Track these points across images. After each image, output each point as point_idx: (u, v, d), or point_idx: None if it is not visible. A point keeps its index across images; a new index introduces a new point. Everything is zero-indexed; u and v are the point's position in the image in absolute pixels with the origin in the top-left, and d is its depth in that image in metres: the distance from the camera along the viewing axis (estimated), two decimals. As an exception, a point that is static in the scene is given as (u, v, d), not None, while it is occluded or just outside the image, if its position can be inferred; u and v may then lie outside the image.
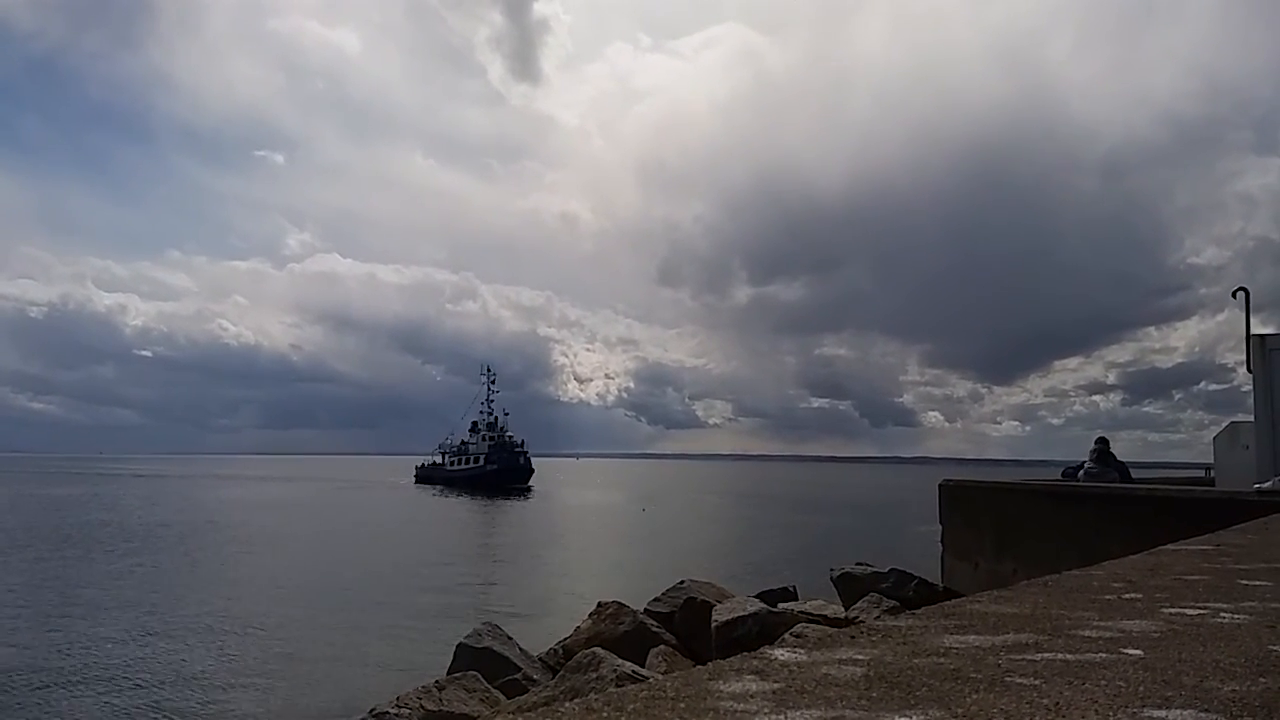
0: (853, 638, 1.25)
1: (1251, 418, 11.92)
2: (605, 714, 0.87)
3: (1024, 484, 10.71)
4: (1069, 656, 1.12)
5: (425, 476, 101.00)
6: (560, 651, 11.65)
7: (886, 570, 11.26)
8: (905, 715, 0.89)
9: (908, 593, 10.57)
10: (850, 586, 11.31)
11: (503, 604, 20.48)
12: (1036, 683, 1.01)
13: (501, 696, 9.64)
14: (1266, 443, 11.10)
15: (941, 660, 1.11)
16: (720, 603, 11.43)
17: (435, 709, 8.98)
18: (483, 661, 10.58)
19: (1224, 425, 14.96)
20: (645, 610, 12.58)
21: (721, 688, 0.98)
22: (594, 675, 7.51)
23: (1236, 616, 1.42)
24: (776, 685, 0.99)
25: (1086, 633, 1.28)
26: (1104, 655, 1.14)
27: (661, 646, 10.69)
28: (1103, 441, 13.67)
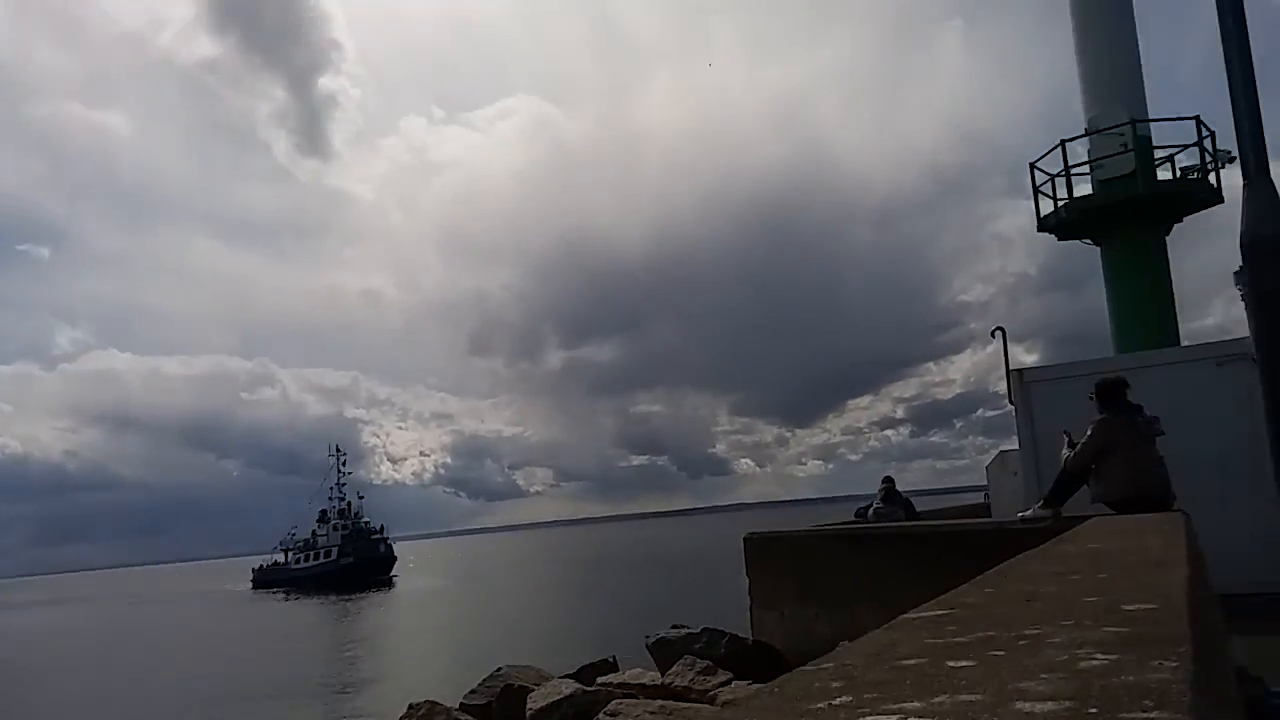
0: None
1: (1018, 445, 13.00)
2: None
3: (819, 530, 11.19)
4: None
5: (265, 580, 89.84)
6: (373, 761, 10.97)
7: (699, 630, 11.37)
8: None
9: (719, 650, 10.70)
10: (665, 651, 11.33)
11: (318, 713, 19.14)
12: None
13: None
14: (1030, 470, 12.12)
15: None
16: (537, 687, 11.16)
17: None
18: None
19: (995, 454, 16.27)
20: (461, 705, 12.10)
21: None
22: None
23: (918, 724, 1.49)
24: None
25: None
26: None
27: (479, 742, 10.29)
28: (889, 480, 14.53)
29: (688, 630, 11.57)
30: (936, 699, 1.67)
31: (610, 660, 13.44)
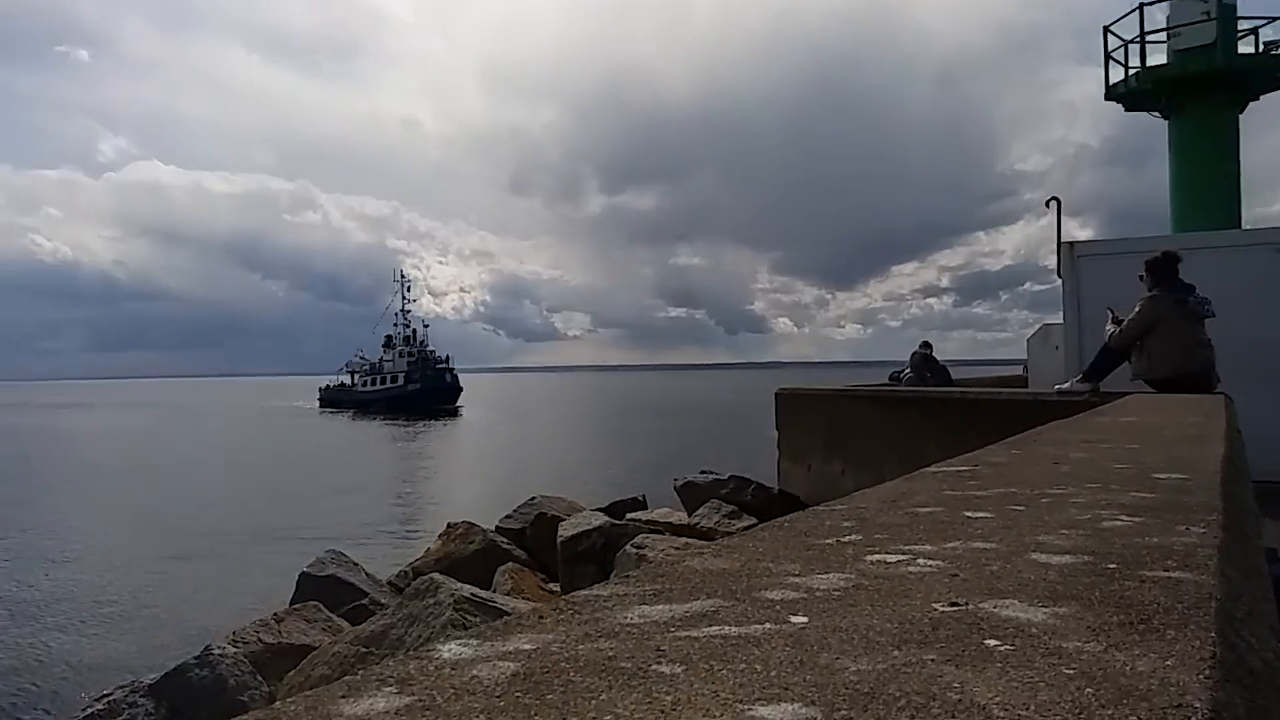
0: (541, 618, 1.22)
1: (1062, 320, 12.77)
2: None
3: (851, 390, 11.21)
4: (734, 630, 1.12)
5: (332, 399, 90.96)
6: (410, 574, 11.59)
7: (727, 477, 11.64)
8: (515, 733, 0.86)
9: (745, 496, 10.98)
10: (692, 494, 11.65)
11: (361, 529, 20.19)
12: (678, 671, 0.99)
13: (345, 624, 9.53)
14: (1073, 345, 11.94)
15: (607, 645, 1.09)
16: (568, 517, 11.59)
17: (274, 642, 8.80)
18: (326, 590, 10.42)
19: (1038, 327, 15.99)
20: (496, 528, 12.65)
21: (346, 710, 0.92)
22: (432, 601, 7.49)
23: (930, 564, 1.47)
24: (409, 700, 0.93)
25: (772, 594, 1.29)
26: (768, 626, 1.14)
27: (510, 564, 10.79)
28: (926, 346, 14.41)
29: (715, 476, 11.85)
30: (949, 544, 1.66)
31: (639, 499, 13.88)
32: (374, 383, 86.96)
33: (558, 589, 10.36)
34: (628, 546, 9.50)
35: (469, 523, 12.38)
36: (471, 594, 7.62)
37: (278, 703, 0.95)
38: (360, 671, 1.08)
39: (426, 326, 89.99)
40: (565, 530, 10.52)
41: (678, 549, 9.30)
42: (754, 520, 10.57)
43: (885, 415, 10.11)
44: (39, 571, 16.21)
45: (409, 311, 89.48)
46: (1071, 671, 0.99)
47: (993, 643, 1.09)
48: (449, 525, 12.57)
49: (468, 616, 7.30)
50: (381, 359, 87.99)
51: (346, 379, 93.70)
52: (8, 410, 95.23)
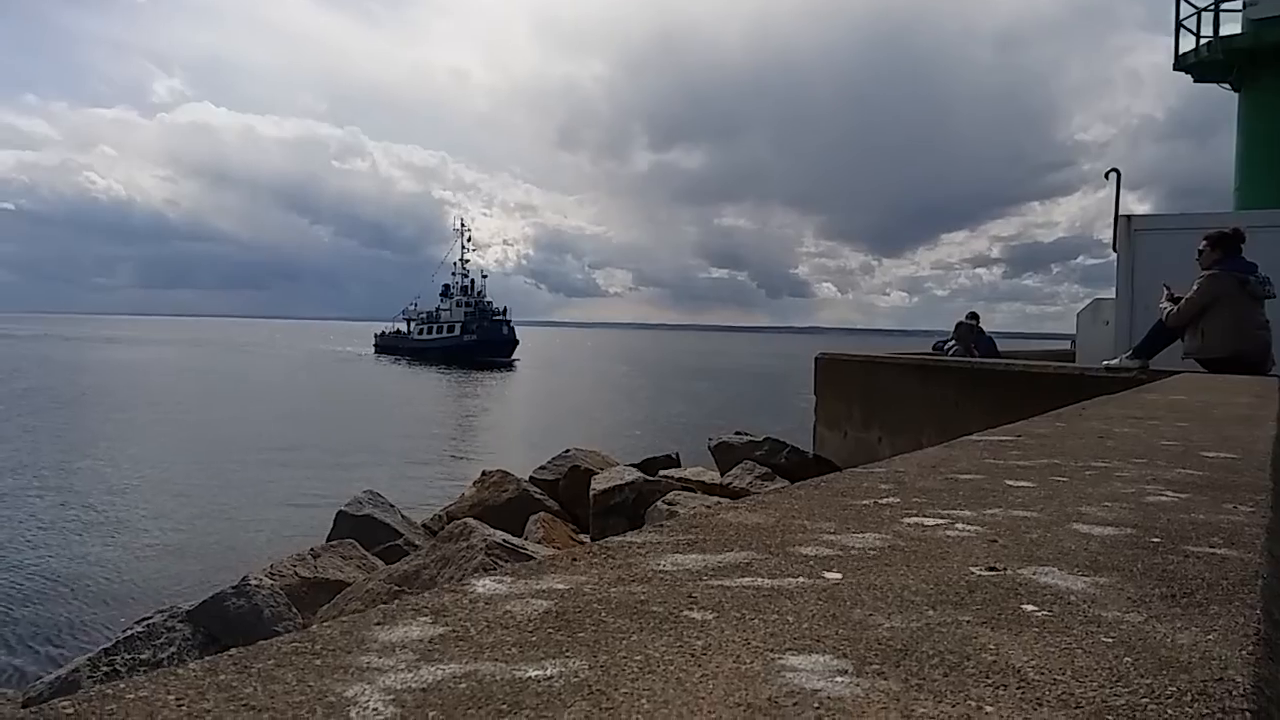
0: (574, 560, 1.22)
1: (1114, 294, 12.51)
2: (227, 676, 0.81)
3: (892, 358, 11.09)
4: (766, 582, 1.12)
5: (388, 346, 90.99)
6: (444, 518, 11.77)
7: (762, 439, 11.62)
8: (543, 666, 0.87)
9: (779, 459, 10.96)
10: (727, 455, 11.66)
11: (399, 472, 20.52)
12: (710, 617, 0.99)
13: (379, 562, 9.73)
14: (1124, 321, 11.71)
15: (639, 589, 1.09)
16: (601, 471, 11.66)
17: (309, 575, 9.01)
18: (361, 529, 10.62)
19: (1089, 301, 15.68)
20: (530, 478, 12.78)
21: (380, 636, 0.93)
22: (464, 544, 7.61)
23: (969, 529, 1.45)
24: (442, 630, 0.94)
25: (806, 550, 1.28)
26: (801, 580, 1.13)
27: (541, 513, 10.90)
28: (973, 316, 14.20)
29: (750, 438, 11.84)
30: (989, 511, 1.64)
31: (673, 456, 13.93)
32: (430, 331, 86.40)
33: (588, 540, 10.48)
34: (659, 502, 9.56)
35: (503, 471, 12.52)
36: (503, 539, 7.72)
37: (314, 626, 0.97)
38: (395, 602, 1.10)
39: (485, 277, 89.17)
40: (598, 484, 10.60)
41: (709, 507, 9.34)
42: (786, 483, 10.57)
43: (927, 384, 10.01)
44: (91, 497, 16.73)
45: (468, 261, 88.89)
46: (1110, 640, 0.97)
47: (1030, 608, 1.07)
48: (483, 473, 12.73)
49: (498, 560, 7.41)
50: (439, 308, 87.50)
51: (403, 326, 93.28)
52: (65, 344, 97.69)
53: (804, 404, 13.06)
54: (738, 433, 12.41)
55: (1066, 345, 17.77)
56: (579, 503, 11.54)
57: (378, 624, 0.97)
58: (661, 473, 11.97)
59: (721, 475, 11.39)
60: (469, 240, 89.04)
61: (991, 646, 0.94)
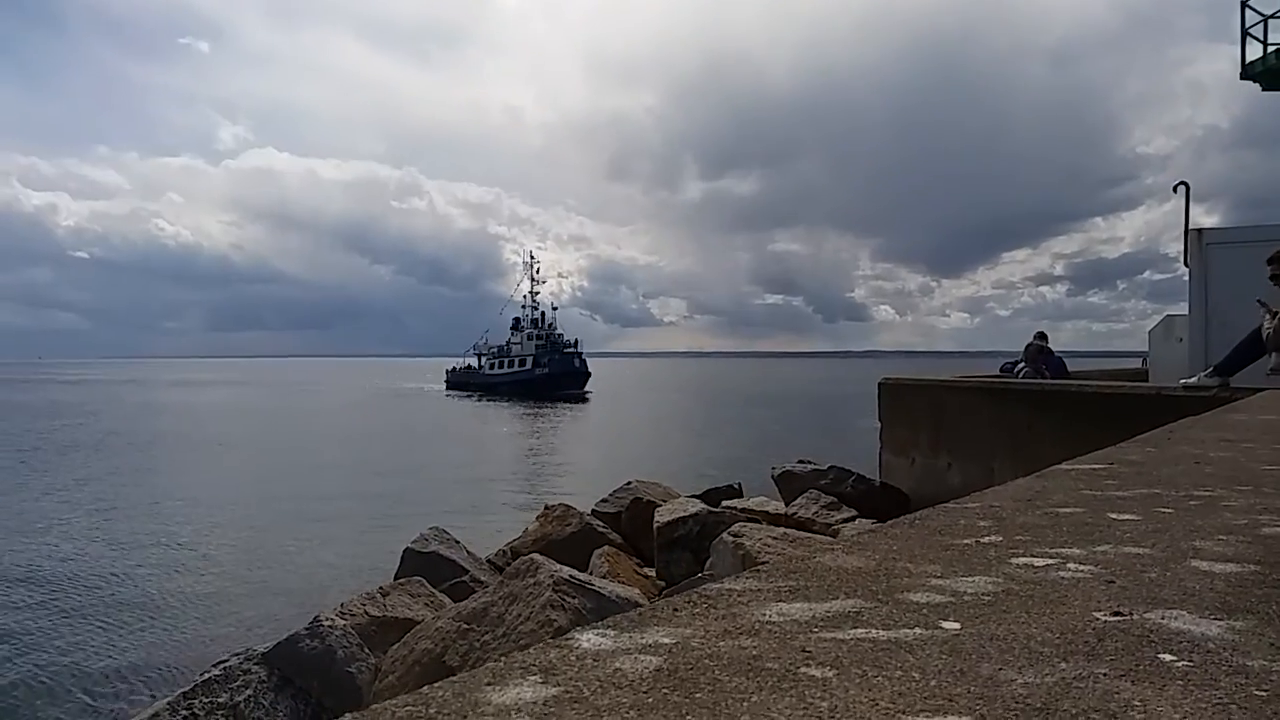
0: (675, 610, 1.19)
1: (1186, 310, 12.13)
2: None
3: (959, 381, 10.86)
4: (881, 634, 1.07)
5: (459, 382, 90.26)
6: (508, 553, 11.79)
7: (826, 467, 11.44)
8: (668, 731, 0.84)
9: (845, 488, 10.78)
10: (790, 483, 11.51)
11: (464, 508, 20.63)
12: (830, 675, 0.95)
13: (447, 600, 9.75)
14: (1199, 338, 11.33)
15: (749, 643, 1.05)
16: (664, 503, 11.59)
17: (379, 614, 9.07)
18: (428, 566, 10.67)
19: (1159, 319, 15.23)
20: (592, 511, 12.75)
21: (494, 698, 0.91)
22: (532, 581, 7.59)
23: (1082, 569, 1.39)
24: (555, 690, 0.92)
25: (916, 596, 1.23)
26: (918, 631, 1.09)
27: (606, 547, 10.85)
28: (1041, 336, 13.88)
29: (814, 466, 11.67)
30: (1098, 548, 1.56)
31: (735, 486, 13.79)
32: (501, 365, 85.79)
33: (652, 574, 10.38)
34: (724, 534, 9.44)
35: (566, 505, 12.52)
36: (570, 575, 7.68)
37: (425, 688, 0.95)
38: (501, 659, 1.08)
39: (555, 309, 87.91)
40: (661, 516, 10.52)
41: (775, 538, 9.20)
42: (854, 512, 10.37)
43: (996, 408, 9.78)
44: (165, 538, 17.13)
45: (538, 294, 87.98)
46: (1264, 694, 0.91)
47: (1168, 657, 1.01)
48: (546, 507, 12.74)
49: (566, 598, 7.38)
50: (509, 341, 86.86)
51: (474, 361, 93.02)
52: (137, 387, 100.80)
53: (865, 429, 12.84)
54: (800, 461, 12.25)
55: (1137, 363, 17.27)
56: (642, 535, 11.47)
57: (488, 684, 0.95)
58: (725, 504, 11.85)
59: (786, 505, 11.23)
60: (538, 272, 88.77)
61: (1138, 703, 0.88)
